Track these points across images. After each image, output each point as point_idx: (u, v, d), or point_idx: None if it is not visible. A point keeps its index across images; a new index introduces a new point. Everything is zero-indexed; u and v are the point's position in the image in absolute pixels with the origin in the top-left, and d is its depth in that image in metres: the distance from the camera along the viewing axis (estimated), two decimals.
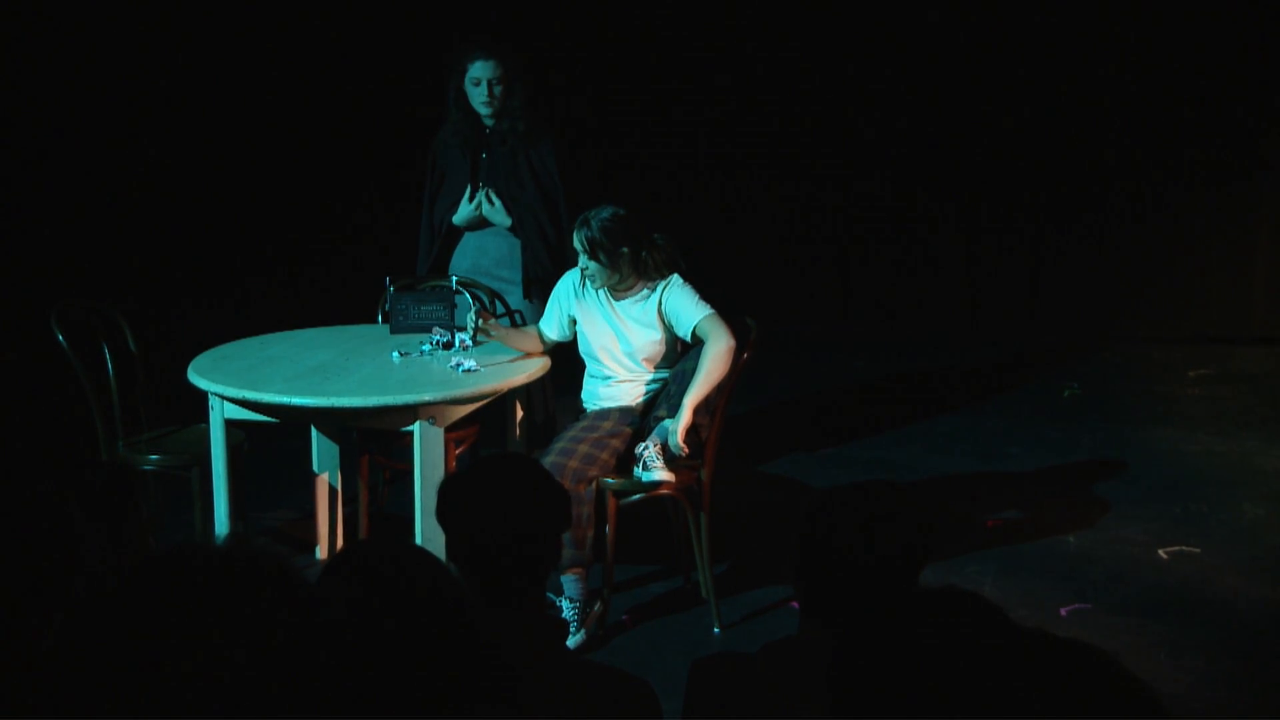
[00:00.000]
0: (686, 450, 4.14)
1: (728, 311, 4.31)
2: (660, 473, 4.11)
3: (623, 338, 4.34)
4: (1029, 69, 7.80)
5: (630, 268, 4.28)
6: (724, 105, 8.18)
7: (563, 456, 4.10)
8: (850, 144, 8.12)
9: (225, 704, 1.23)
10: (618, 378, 4.38)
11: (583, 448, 4.15)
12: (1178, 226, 7.88)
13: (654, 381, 4.38)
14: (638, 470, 4.14)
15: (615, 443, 4.22)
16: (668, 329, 4.32)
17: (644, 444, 4.14)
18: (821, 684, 1.58)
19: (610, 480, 4.16)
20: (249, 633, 1.25)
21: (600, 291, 4.36)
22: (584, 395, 4.50)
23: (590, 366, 4.47)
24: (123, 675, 1.23)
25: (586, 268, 4.27)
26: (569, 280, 4.45)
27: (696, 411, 4.14)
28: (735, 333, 4.20)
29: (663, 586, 4.60)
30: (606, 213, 4.24)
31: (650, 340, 4.32)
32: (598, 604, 4.24)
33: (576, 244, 4.27)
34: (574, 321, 4.44)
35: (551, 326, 4.48)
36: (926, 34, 7.88)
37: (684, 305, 4.26)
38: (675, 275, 4.32)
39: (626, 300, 4.34)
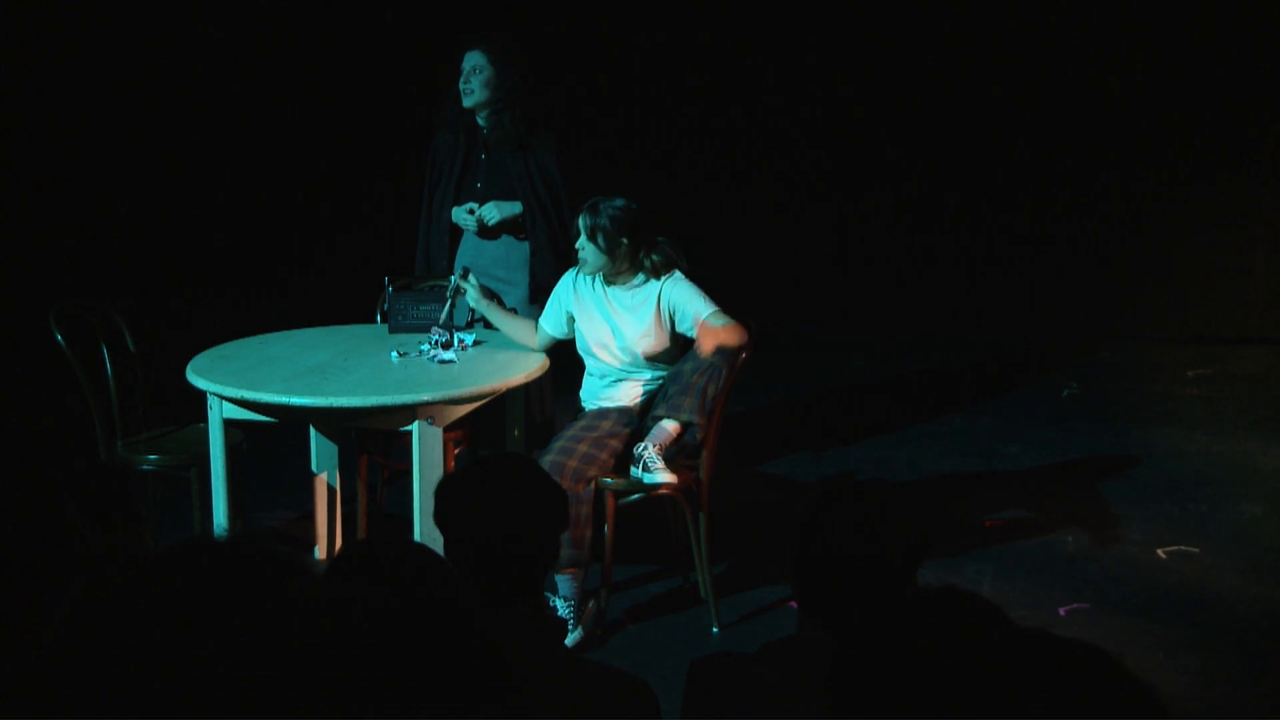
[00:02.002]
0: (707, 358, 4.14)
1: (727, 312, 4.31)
2: (662, 474, 4.11)
3: (618, 332, 4.34)
4: (1029, 69, 7.80)
5: (626, 260, 4.29)
6: (724, 104, 8.19)
7: (562, 456, 4.10)
8: (850, 144, 8.13)
9: (235, 701, 1.23)
10: (615, 375, 4.38)
11: (582, 447, 4.15)
12: (1176, 227, 7.89)
13: (652, 381, 4.38)
14: (636, 470, 4.13)
15: (614, 443, 4.22)
16: (666, 321, 4.32)
17: (642, 444, 4.14)
18: (820, 684, 1.58)
19: (609, 480, 4.17)
20: (261, 629, 1.25)
21: (597, 286, 4.37)
22: (583, 394, 4.50)
23: (589, 364, 4.47)
24: (134, 673, 1.23)
25: (581, 249, 4.28)
26: (569, 277, 4.46)
27: (691, 412, 4.14)
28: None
29: (661, 586, 4.60)
30: (619, 202, 4.26)
31: (644, 331, 4.31)
32: (592, 602, 4.24)
33: (579, 225, 4.28)
34: (572, 319, 4.44)
35: (550, 322, 4.48)
36: (927, 34, 7.88)
37: (689, 297, 4.27)
38: (677, 270, 4.33)
39: (622, 293, 4.34)
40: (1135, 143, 7.81)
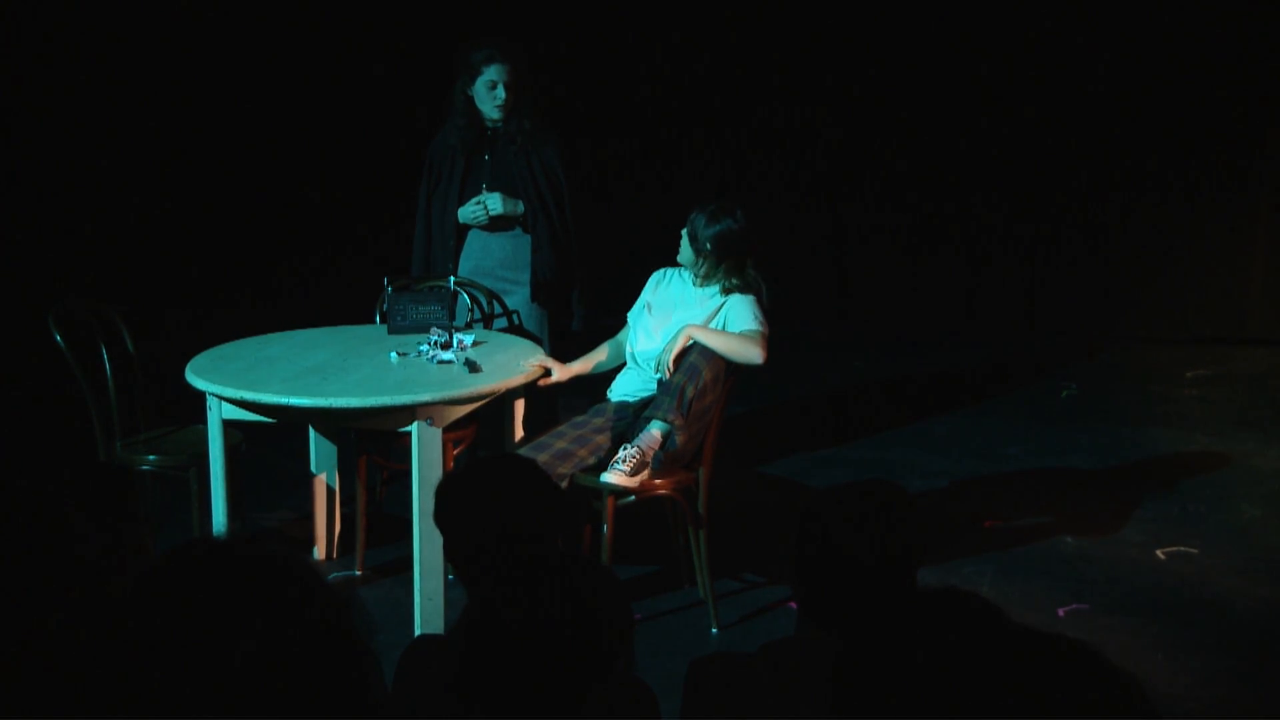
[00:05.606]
0: (672, 370, 4.14)
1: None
2: (612, 475, 4.07)
3: (677, 319, 4.35)
4: (1027, 70, 7.80)
5: (707, 267, 4.33)
6: (722, 104, 8.18)
7: (533, 452, 4.12)
8: (849, 144, 8.12)
9: (236, 701, 1.23)
10: (648, 376, 4.37)
11: (560, 444, 4.18)
12: (1175, 228, 7.88)
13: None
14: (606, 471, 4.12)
15: (599, 439, 4.23)
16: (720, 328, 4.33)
17: (626, 445, 4.12)
18: (819, 684, 1.58)
19: (581, 475, 4.16)
20: (262, 629, 1.25)
21: (680, 282, 4.44)
22: (611, 389, 4.50)
23: (630, 358, 4.46)
24: (135, 674, 1.23)
25: (682, 237, 4.39)
26: (658, 273, 4.55)
27: (668, 411, 4.12)
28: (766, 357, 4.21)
29: (661, 587, 4.59)
30: (727, 219, 4.30)
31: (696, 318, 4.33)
32: None
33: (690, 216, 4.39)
34: (645, 310, 4.47)
35: (633, 313, 4.53)
36: (926, 35, 7.88)
37: (742, 313, 4.26)
38: (751, 294, 4.34)
39: (699, 291, 4.39)
40: (1135, 143, 7.80)
